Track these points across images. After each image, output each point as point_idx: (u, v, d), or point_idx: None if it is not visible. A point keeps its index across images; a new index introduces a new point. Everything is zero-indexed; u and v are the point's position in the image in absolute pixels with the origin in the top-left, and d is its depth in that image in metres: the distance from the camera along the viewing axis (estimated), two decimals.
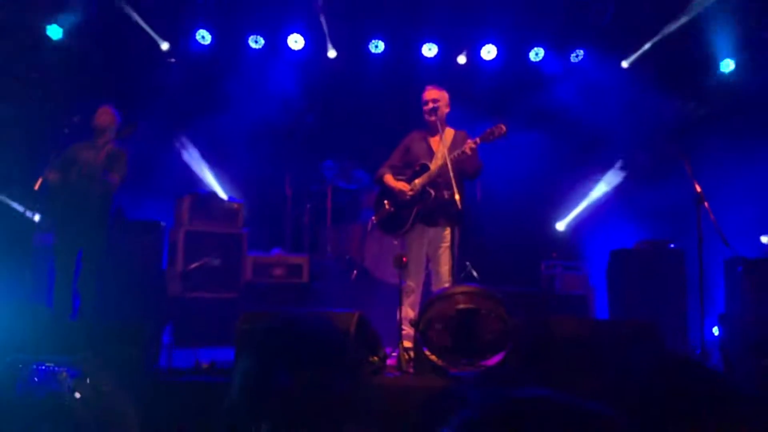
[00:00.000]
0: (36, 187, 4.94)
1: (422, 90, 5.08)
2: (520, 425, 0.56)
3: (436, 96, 4.96)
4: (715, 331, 6.11)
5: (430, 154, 4.97)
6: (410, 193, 4.87)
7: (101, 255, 5.27)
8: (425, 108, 4.96)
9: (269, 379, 1.22)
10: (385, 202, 5.02)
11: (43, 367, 1.87)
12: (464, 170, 4.82)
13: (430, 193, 4.79)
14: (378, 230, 5.25)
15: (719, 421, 1.00)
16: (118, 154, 5.34)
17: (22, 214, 5.07)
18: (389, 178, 5.00)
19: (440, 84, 5.12)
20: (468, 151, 4.63)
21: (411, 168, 4.99)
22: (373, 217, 5.15)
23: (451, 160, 4.56)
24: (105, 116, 5.43)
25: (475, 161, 4.77)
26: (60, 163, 5.29)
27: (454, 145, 4.84)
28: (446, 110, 5.00)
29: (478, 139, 4.65)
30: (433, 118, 4.89)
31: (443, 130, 4.89)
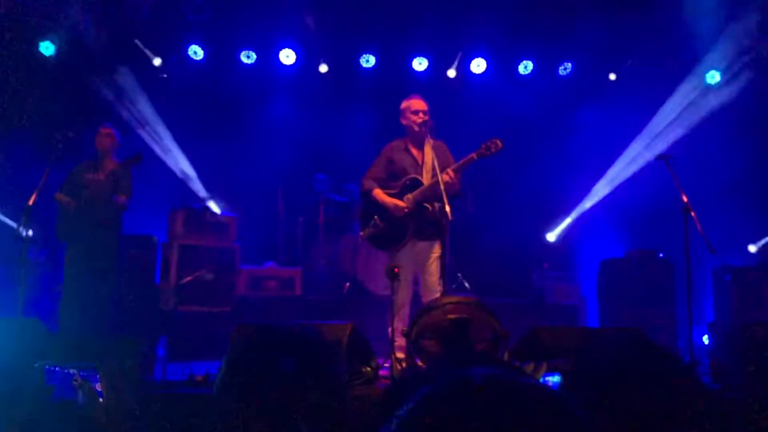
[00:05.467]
0: (30, 203, 4.97)
1: (406, 98, 5.01)
2: (471, 400, 0.62)
3: (426, 107, 4.92)
4: (706, 339, 6.17)
5: (417, 166, 4.91)
6: (406, 209, 4.77)
7: (113, 274, 5.45)
8: (416, 119, 4.86)
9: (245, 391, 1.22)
10: (376, 217, 4.88)
11: (57, 370, 1.91)
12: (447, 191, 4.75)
13: (427, 208, 4.73)
14: (368, 245, 5.21)
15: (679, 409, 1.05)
16: (122, 173, 5.46)
17: (16, 230, 5.10)
18: (380, 193, 4.89)
19: (431, 97, 5.08)
20: (450, 179, 4.56)
21: (398, 180, 4.90)
22: (361, 233, 5.00)
23: (442, 177, 4.48)
24: (106, 137, 5.59)
25: (456, 187, 4.70)
26: (68, 187, 5.46)
27: (437, 154, 4.73)
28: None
29: (474, 155, 4.55)
30: (424, 130, 4.83)
31: (427, 141, 4.84)
